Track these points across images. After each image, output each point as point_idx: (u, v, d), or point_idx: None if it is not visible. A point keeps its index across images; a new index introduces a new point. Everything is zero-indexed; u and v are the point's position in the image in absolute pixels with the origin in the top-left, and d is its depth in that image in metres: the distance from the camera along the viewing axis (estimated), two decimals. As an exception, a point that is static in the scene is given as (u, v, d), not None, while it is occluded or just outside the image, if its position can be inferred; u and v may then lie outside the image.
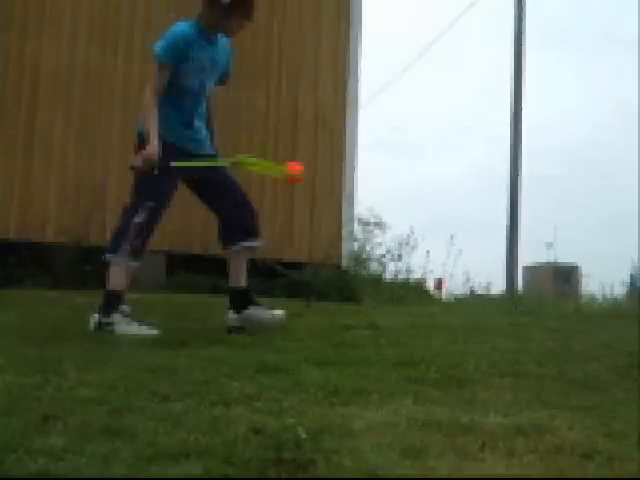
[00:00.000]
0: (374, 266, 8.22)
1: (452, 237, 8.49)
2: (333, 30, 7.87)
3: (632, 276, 9.14)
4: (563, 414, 2.08)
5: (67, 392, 2.19)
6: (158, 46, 3.89)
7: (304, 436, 1.73)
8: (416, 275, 8.46)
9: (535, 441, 1.77)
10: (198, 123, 4.04)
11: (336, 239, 7.57)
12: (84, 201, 6.84)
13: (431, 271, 8.76)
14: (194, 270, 7.15)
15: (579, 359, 3.22)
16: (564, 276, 11.84)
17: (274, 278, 7.34)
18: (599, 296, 8.70)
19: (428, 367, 2.81)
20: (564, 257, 11.46)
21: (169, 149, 3.84)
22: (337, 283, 7.19)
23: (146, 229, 3.85)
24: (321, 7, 8.00)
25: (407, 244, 8.18)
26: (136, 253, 3.83)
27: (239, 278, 4.01)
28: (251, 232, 4.02)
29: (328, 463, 1.55)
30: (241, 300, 3.97)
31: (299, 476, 1.50)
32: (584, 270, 11.96)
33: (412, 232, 8.30)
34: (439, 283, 9.20)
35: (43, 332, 3.63)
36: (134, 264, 3.85)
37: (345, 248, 7.72)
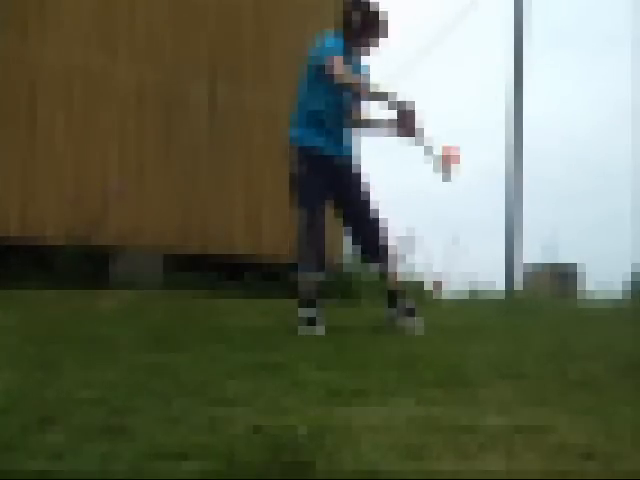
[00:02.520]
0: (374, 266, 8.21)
1: (457, 239, 8.52)
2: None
3: (631, 276, 9.16)
4: (563, 414, 2.08)
5: (67, 392, 2.19)
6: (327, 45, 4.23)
7: (304, 436, 1.73)
8: (416, 275, 8.47)
9: (535, 441, 1.77)
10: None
11: (336, 239, 7.59)
12: (85, 201, 6.85)
13: (431, 271, 8.78)
14: (193, 270, 7.15)
15: (579, 359, 3.22)
16: (564, 276, 11.82)
17: (274, 278, 7.35)
18: (598, 296, 8.73)
19: (428, 367, 2.81)
20: (564, 257, 11.43)
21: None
22: (337, 283, 7.20)
23: None
24: (324, 15, 8.02)
25: (407, 244, 8.18)
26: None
27: None
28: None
29: (328, 463, 1.55)
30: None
31: (299, 476, 1.49)
32: (583, 270, 11.95)
33: (412, 232, 8.31)
34: (439, 283, 9.20)
35: (43, 332, 3.63)
36: None
37: (345, 248, 7.73)
